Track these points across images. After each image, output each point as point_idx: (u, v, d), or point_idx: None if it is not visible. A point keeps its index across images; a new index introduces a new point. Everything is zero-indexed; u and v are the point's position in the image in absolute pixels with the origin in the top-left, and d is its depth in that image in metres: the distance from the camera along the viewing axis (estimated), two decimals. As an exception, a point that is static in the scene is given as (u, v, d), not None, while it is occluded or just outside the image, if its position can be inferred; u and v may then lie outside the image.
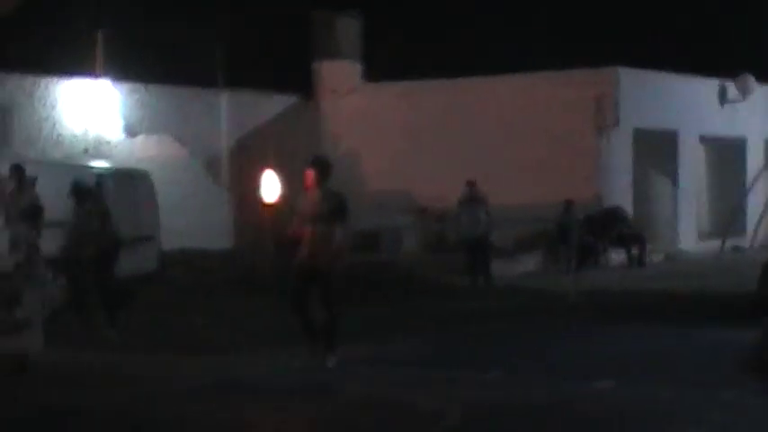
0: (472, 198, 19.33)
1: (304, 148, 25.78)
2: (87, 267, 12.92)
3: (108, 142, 24.73)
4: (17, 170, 14.54)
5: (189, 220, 22.64)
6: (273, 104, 27.77)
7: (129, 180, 16.85)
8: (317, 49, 28.55)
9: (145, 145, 24.69)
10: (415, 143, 26.69)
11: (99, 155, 23.80)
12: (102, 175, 16.24)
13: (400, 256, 23.05)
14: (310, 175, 10.30)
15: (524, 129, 25.55)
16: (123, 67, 25.01)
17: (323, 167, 10.44)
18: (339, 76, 28.33)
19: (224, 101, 26.75)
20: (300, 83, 28.59)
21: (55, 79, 23.95)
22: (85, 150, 24.31)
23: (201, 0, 27.99)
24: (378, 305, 16.00)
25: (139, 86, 25.39)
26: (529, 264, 22.59)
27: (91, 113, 24.50)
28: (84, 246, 13.15)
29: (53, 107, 23.95)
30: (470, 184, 19.55)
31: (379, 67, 28.31)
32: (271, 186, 10.73)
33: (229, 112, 26.89)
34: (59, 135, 24.01)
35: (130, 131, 25.12)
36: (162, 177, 19.50)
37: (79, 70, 24.58)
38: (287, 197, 10.97)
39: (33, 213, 14.11)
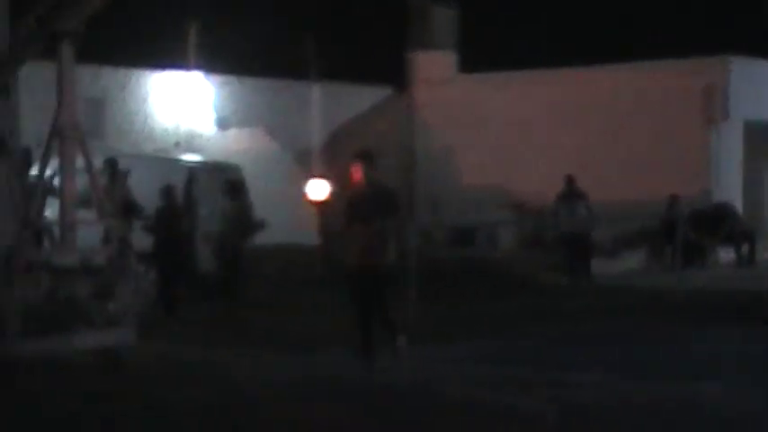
0: (571, 193, 19.17)
1: (397, 140, 25.88)
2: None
3: (200, 135, 25.16)
4: (110, 164, 14.89)
5: (280, 215, 22.91)
6: (366, 96, 27.92)
7: (220, 174, 17.13)
8: (411, 39, 28.60)
9: (236, 138, 25.05)
10: (514, 136, 26.57)
11: (190, 148, 24.23)
12: (193, 169, 16.56)
13: (497, 253, 22.99)
14: (357, 169, 10.17)
15: (628, 121, 25.23)
16: (215, 60, 25.41)
17: (370, 160, 10.26)
18: (434, 66, 28.33)
19: (316, 93, 26.98)
20: (394, 74, 28.68)
21: (147, 72, 24.44)
22: (177, 144, 24.77)
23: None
24: (474, 303, 15.99)
25: (231, 79, 25.75)
26: (631, 262, 22.32)
27: (183, 106, 24.95)
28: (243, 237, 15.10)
29: (145, 100, 24.46)
30: (570, 180, 19.39)
31: (475, 58, 28.24)
32: (318, 183, 10.73)
33: (322, 105, 27.11)
34: (151, 128, 24.51)
35: (222, 124, 25.51)
36: (253, 171, 19.77)
37: (171, 63, 25.05)
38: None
39: (126, 207, 14.45)
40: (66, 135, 10.23)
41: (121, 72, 24.01)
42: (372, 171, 10.17)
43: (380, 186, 10.21)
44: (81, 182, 10.64)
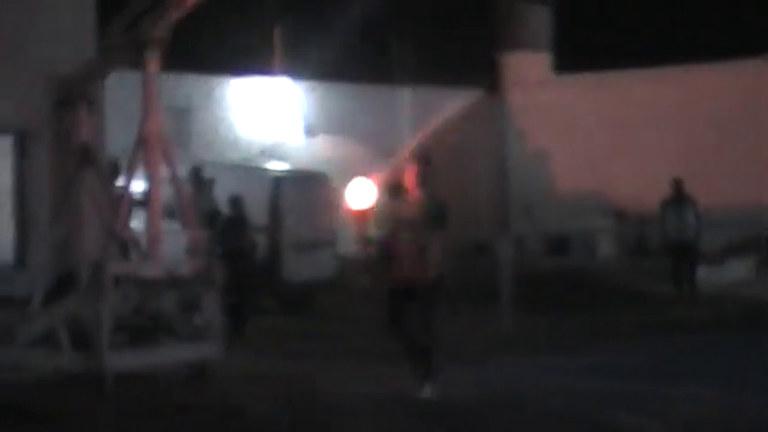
0: (680, 198, 18.81)
1: (489, 145, 25.81)
2: None
3: (286, 143, 25.36)
4: (195, 173, 15.10)
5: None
6: (456, 100, 27.87)
7: (307, 182, 17.27)
8: (502, 40, 28.50)
9: (324, 146, 25.19)
10: (612, 139, 26.28)
11: (277, 156, 24.44)
12: (279, 178, 16.72)
13: (595, 262, 22.75)
14: (412, 173, 9.53)
15: (735, 122, 24.77)
16: (301, 65, 25.62)
17: (428, 164, 9.66)
18: (527, 67, 28.18)
19: (405, 97, 27.03)
20: (485, 76, 28.59)
21: (232, 79, 24.73)
22: (263, 152, 25.00)
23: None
24: (573, 314, 15.86)
25: (318, 84, 25.92)
26: (739, 271, 21.89)
27: (269, 113, 25.20)
28: None
29: (230, 108, 24.76)
30: (677, 184, 18.99)
31: (569, 57, 28.00)
32: (361, 192, 10.14)
33: (410, 109, 27.15)
34: (236, 136, 24.79)
35: (309, 132, 25.68)
36: (342, 179, 19.89)
37: (257, 69, 25.32)
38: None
39: (211, 217, 14.64)
40: (151, 144, 10.42)
41: (206, 79, 24.33)
42: (428, 177, 9.62)
43: (432, 196, 9.62)
44: (166, 192, 10.82)
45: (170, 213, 11.07)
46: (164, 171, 10.61)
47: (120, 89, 13.97)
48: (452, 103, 27.75)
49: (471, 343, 12.60)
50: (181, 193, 10.72)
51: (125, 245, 11.53)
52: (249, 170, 18.24)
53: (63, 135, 11.93)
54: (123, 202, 10.43)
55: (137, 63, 10.64)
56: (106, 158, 13.10)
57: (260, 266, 15.55)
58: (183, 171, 15.92)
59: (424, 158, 9.82)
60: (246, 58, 25.58)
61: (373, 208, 9.88)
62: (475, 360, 11.66)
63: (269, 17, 26.13)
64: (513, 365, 10.73)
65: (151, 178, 10.50)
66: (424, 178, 9.56)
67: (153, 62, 10.50)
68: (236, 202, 14.93)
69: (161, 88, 11.07)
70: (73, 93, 11.48)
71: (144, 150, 10.43)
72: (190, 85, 24.04)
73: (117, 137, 14.24)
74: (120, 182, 12.71)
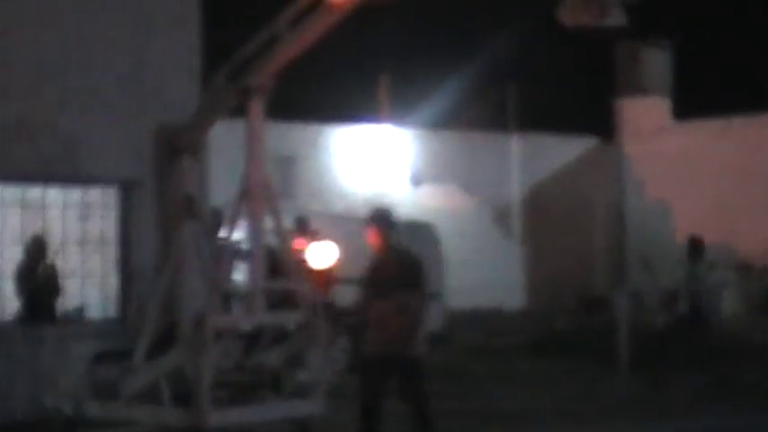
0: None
1: (605, 195, 25.57)
2: None
3: (391, 192, 25.48)
4: (301, 223, 15.26)
5: (478, 277, 22.91)
6: (570, 148, 27.72)
7: (413, 233, 17.29)
8: (619, 85, 28.29)
9: (430, 195, 25.24)
10: (738, 189, 25.81)
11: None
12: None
13: (719, 318, 22.26)
14: (372, 234, 9.10)
15: None
16: (407, 112, 25.77)
17: (385, 222, 9.14)
18: (645, 114, 27.91)
19: (515, 145, 26.98)
20: (601, 123, 28.41)
21: (337, 127, 25.00)
22: (369, 202, 25.16)
23: (489, 39, 28.47)
24: (695, 373, 15.53)
25: (425, 132, 26.03)
26: None
27: (374, 162, 25.37)
28: None
29: (335, 156, 25.01)
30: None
31: (689, 103, 27.67)
32: (322, 251, 9.39)
33: (521, 158, 27.08)
34: (342, 186, 25.01)
35: (415, 180, 25.77)
36: (448, 230, 19.90)
37: (362, 117, 25.56)
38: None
39: None
40: (255, 195, 10.57)
41: (312, 128, 24.63)
42: (389, 236, 9.06)
43: (404, 253, 9.07)
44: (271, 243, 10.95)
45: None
46: (268, 222, 10.74)
47: (224, 138, 14.25)
48: (566, 152, 27.61)
49: (586, 403, 12.41)
50: (286, 245, 10.83)
51: (227, 298, 11.70)
52: (354, 220, 18.35)
53: (167, 186, 12.18)
54: (226, 254, 10.58)
55: (241, 111, 10.83)
56: (209, 209, 13.32)
57: (362, 321, 15.56)
58: (287, 222, 16.16)
59: (382, 217, 9.24)
60: (352, 105, 25.86)
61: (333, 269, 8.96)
62: (590, 421, 11.48)
63: (375, 64, 26.41)
64: (631, 428, 10.53)
65: (254, 229, 10.63)
66: (388, 237, 9.01)
67: (257, 110, 10.67)
68: None
69: (266, 137, 11.24)
70: (178, 143, 11.74)
71: (247, 201, 10.58)
72: (295, 133, 24.37)
73: (221, 187, 14.48)
74: (222, 233, 12.91)
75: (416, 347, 8.78)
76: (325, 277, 8.27)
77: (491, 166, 26.64)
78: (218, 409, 9.94)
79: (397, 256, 8.89)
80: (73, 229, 13.29)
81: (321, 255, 8.42)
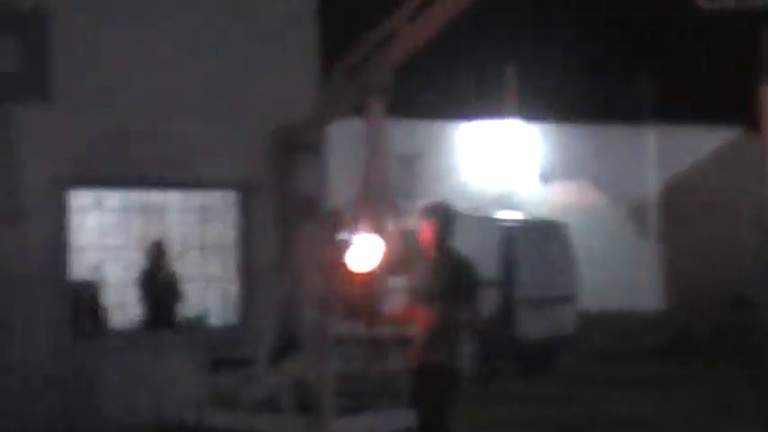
0: None
1: (749, 189, 24.89)
2: None
3: (519, 190, 25.31)
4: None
5: (612, 277, 22.59)
6: (710, 139, 27.14)
7: (543, 232, 17.17)
8: (765, 71, 27.55)
9: (561, 192, 25.00)
10: None
11: (510, 204, 24.40)
12: (512, 228, 16.68)
13: None
14: (426, 228, 8.09)
15: None
16: (535, 106, 25.56)
17: (444, 218, 8.13)
18: (791, 101, 27.12)
19: (651, 138, 26.53)
20: (744, 112, 27.71)
21: (462, 123, 24.93)
22: (495, 201, 25.02)
23: (621, 24, 28.04)
24: None
25: (554, 126, 25.79)
26: None
27: (500, 159, 25.23)
28: None
29: (460, 154, 24.95)
30: None
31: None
32: (362, 249, 7.57)
33: (658, 151, 26.62)
34: (467, 184, 24.94)
35: (544, 177, 25.55)
36: (580, 228, 19.65)
37: (487, 112, 25.43)
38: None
39: None
40: (376, 196, 10.56)
41: (435, 125, 24.62)
42: (446, 235, 8.04)
43: (453, 256, 8.07)
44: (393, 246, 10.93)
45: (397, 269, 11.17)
46: (390, 224, 10.73)
47: (343, 137, 14.31)
48: (706, 143, 27.03)
49: (721, 412, 12.10)
50: (407, 248, 10.79)
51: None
52: (480, 220, 18.27)
53: (286, 188, 12.28)
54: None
55: (361, 109, 10.85)
56: (329, 211, 13.38)
57: (492, 324, 15.51)
58: (411, 223, 16.16)
59: (442, 210, 8.25)
60: (477, 100, 25.73)
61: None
62: (732, 426, 11.19)
63: (500, 57, 26.25)
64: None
65: (375, 232, 10.62)
66: (442, 237, 7.97)
67: (377, 108, 10.67)
68: None
69: (386, 135, 11.22)
70: (296, 143, 11.82)
71: (368, 202, 10.58)
72: (417, 131, 24.37)
73: (341, 188, 14.54)
74: (343, 236, 12.95)
75: (446, 361, 7.78)
76: (368, 282, 7.26)
77: (625, 160, 26.25)
78: (341, 417, 9.97)
79: (445, 260, 7.87)
80: (193, 234, 13.51)
81: (363, 254, 7.23)
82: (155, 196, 13.19)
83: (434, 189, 24.40)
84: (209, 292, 13.19)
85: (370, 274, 7.50)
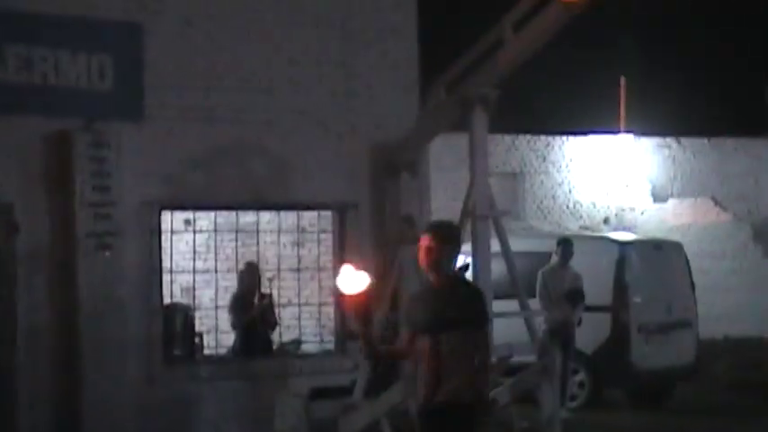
0: None
1: None
2: None
3: (632, 209, 25.03)
4: (565, 244, 15.08)
5: (735, 301, 22.18)
6: None
7: (658, 253, 16.90)
8: None
9: (677, 210, 24.66)
10: None
11: (621, 224, 24.14)
12: (625, 249, 16.47)
13: None
14: (426, 249, 7.16)
15: None
16: (648, 119, 25.30)
17: (446, 238, 7.19)
18: None
19: (777, 151, 26.07)
20: None
21: (569, 138, 24.76)
22: (606, 219, 24.78)
23: (742, 33, 27.66)
24: None
25: (669, 141, 25.48)
26: None
27: (612, 176, 24.99)
28: None
29: (567, 170, 24.76)
30: None
31: None
32: (350, 272, 6.82)
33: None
34: (575, 202, 24.73)
35: (659, 195, 25.24)
36: (699, 249, 19.33)
37: (597, 127, 25.23)
38: None
39: (574, 296, 14.60)
40: (479, 214, 10.53)
41: (540, 141, 24.48)
42: (450, 256, 7.18)
43: (459, 281, 7.31)
44: (498, 268, 10.88)
45: (503, 292, 11.11)
46: (494, 245, 10.68)
47: (445, 154, 14.30)
48: None
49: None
50: (513, 270, 10.74)
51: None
52: (591, 240, 18.08)
53: (385, 208, 12.30)
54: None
55: (463, 125, 10.83)
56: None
57: (604, 352, 15.32)
58: (516, 244, 16.09)
59: (445, 229, 7.32)
60: (585, 114, 25.56)
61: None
62: None
63: (610, 69, 26.05)
64: None
65: (479, 253, 10.58)
66: (444, 258, 7.12)
67: (480, 123, 10.64)
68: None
69: (490, 152, 11.21)
70: (395, 161, 11.84)
71: (471, 222, 10.55)
72: (522, 146, 24.26)
73: (443, 207, 14.52)
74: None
75: (477, 405, 7.03)
76: (357, 304, 6.59)
77: (747, 176, 25.79)
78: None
79: (450, 285, 7.12)
80: (288, 256, 13.58)
81: (352, 276, 6.58)
82: (248, 217, 13.31)
83: (541, 208, 24.26)
84: (304, 317, 13.25)
85: (360, 297, 6.89)
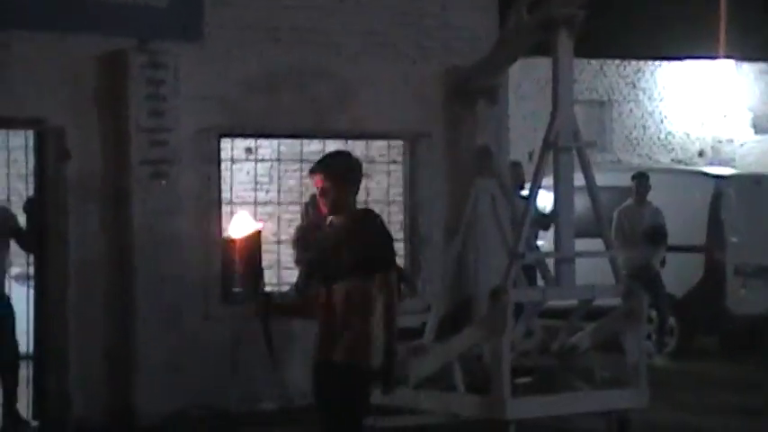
0: None
1: None
2: None
3: (730, 141, 24.75)
4: (640, 179, 14.99)
5: None
6: None
7: (757, 189, 16.68)
8: None
9: (779, 143, 24.38)
10: None
11: (718, 157, 23.88)
12: (721, 184, 16.29)
13: None
14: (320, 188, 6.83)
15: None
16: (750, 43, 24.93)
17: (342, 172, 6.82)
18: None
19: None
20: None
21: (662, 64, 24.47)
22: (701, 153, 24.54)
23: None
24: None
25: (770, 67, 25.15)
26: None
27: (708, 105, 24.71)
28: None
29: (659, 100, 24.51)
30: None
31: None
32: (240, 220, 6.55)
33: None
34: (668, 134, 24.50)
35: (760, 126, 24.93)
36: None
37: (694, 51, 24.91)
38: None
39: (655, 234, 14.51)
40: (562, 146, 10.44)
41: (630, 67, 24.22)
42: (345, 194, 6.81)
43: (360, 218, 6.82)
44: (581, 204, 10.80)
45: (586, 230, 11.04)
46: (577, 179, 10.60)
47: (525, 80, 14.19)
48: None
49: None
50: (598, 207, 10.65)
51: (530, 268, 11.66)
52: (684, 175, 17.91)
53: (459, 138, 12.25)
54: (527, 217, 10.51)
55: (545, 49, 10.72)
56: (509, 163, 13.31)
57: (696, 296, 15.22)
58: (601, 178, 15.95)
59: (338, 163, 6.92)
60: (680, 38, 25.21)
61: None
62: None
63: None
64: None
65: (561, 188, 10.51)
66: (341, 195, 6.75)
67: (565, 47, 10.52)
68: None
69: (575, 78, 11.08)
70: (471, 88, 11.76)
71: (553, 154, 10.47)
72: (611, 72, 24.03)
73: (522, 137, 14.43)
74: (524, 192, 12.86)
75: (359, 359, 6.62)
76: (244, 251, 6.23)
77: None
78: (518, 398, 9.93)
79: (348, 224, 6.74)
80: (355, 189, 13.55)
81: (241, 220, 6.19)
82: (313, 145, 13.31)
83: (629, 140, 24.06)
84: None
85: (247, 242, 6.65)
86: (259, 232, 6.67)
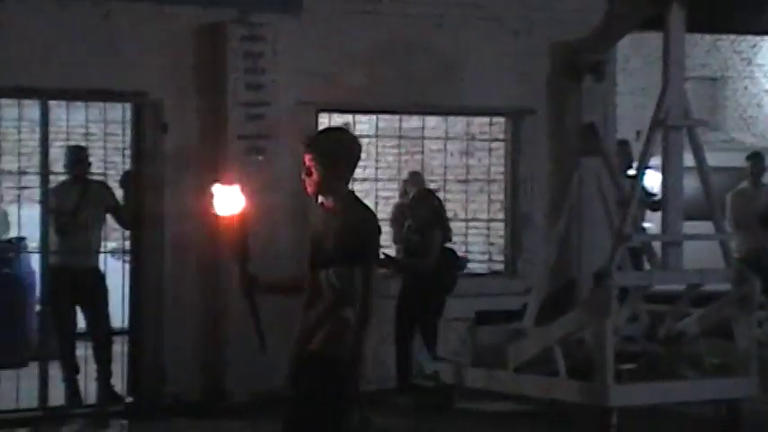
0: None
1: None
2: None
3: None
4: (755, 159, 14.84)
5: None
6: None
7: None
8: None
9: None
10: None
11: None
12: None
13: None
14: (307, 169, 6.49)
15: None
16: None
17: (326, 152, 6.47)
18: None
19: None
20: None
21: (778, 39, 24.19)
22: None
23: None
24: None
25: None
26: None
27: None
28: None
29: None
30: None
31: None
32: (226, 195, 6.36)
33: None
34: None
35: None
36: None
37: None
38: None
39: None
40: (672, 125, 10.42)
41: (745, 42, 23.95)
42: (333, 173, 6.47)
43: (345, 208, 6.43)
44: (691, 185, 10.76)
45: (696, 213, 11.00)
46: (688, 159, 10.57)
47: (634, 55, 14.13)
48: None
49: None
50: (709, 187, 10.61)
51: (637, 251, 11.65)
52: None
53: (565, 115, 12.25)
54: (634, 198, 10.51)
55: (656, 23, 10.68)
56: (616, 142, 13.27)
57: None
58: (713, 158, 15.80)
59: (325, 143, 6.58)
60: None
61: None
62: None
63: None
64: None
65: (671, 167, 10.49)
66: (327, 179, 6.43)
67: (676, 21, 10.48)
68: None
69: (687, 53, 11.01)
70: (578, 63, 11.76)
71: (662, 132, 10.45)
72: (725, 48, 23.78)
73: (630, 115, 14.36)
74: (631, 172, 12.83)
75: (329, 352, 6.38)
76: (231, 227, 6.34)
77: None
78: (623, 384, 9.95)
79: (334, 213, 6.43)
80: (455, 166, 13.64)
81: (228, 196, 5.95)
82: (412, 121, 13.38)
83: (744, 119, 23.80)
84: (471, 233, 13.32)
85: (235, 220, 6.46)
86: (245, 209, 6.52)
